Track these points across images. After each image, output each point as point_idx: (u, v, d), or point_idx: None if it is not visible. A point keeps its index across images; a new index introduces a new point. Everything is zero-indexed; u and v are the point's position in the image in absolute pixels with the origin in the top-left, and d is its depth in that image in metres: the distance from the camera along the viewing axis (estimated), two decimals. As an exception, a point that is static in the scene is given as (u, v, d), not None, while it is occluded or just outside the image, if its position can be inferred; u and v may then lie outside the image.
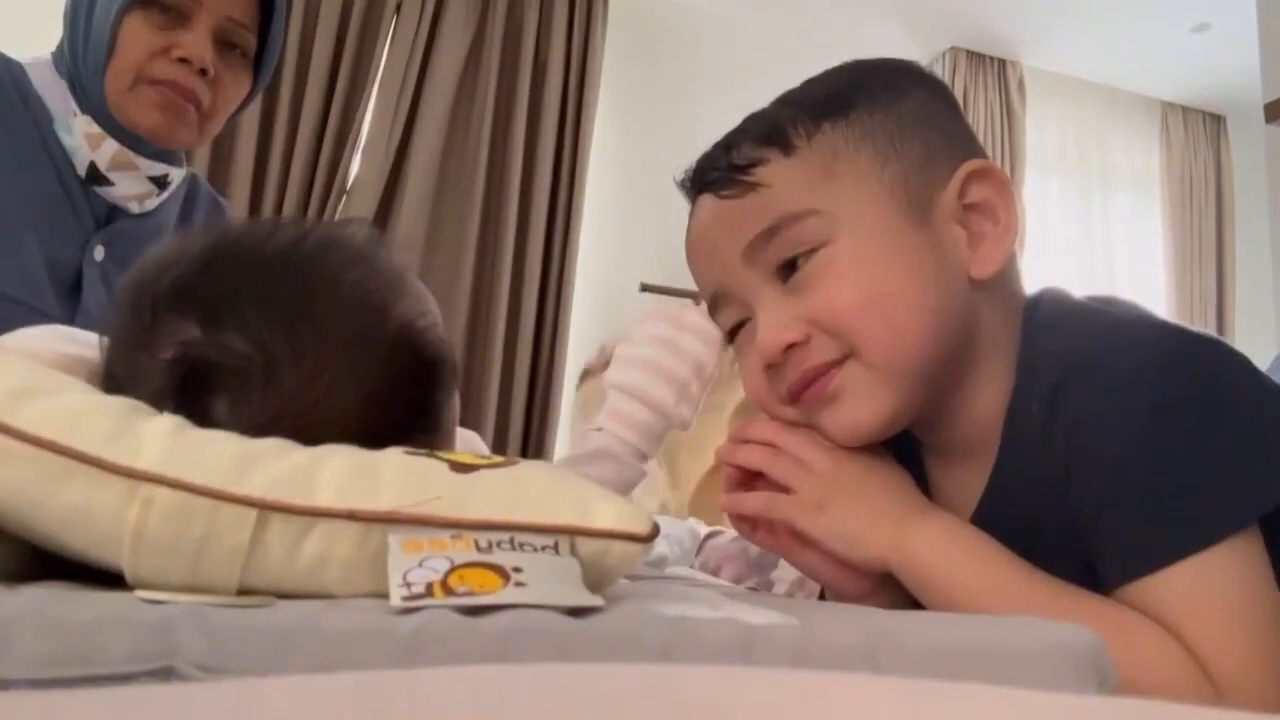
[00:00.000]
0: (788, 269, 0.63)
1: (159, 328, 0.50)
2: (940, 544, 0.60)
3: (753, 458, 0.66)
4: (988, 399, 0.65)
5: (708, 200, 0.67)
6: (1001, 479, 0.65)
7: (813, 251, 0.62)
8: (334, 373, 0.49)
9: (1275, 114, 2.06)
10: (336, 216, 3.14)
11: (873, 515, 0.62)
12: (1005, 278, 0.66)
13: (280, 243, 0.54)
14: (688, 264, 0.71)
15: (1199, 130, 4.57)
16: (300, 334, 0.49)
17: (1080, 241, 4.29)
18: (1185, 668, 0.51)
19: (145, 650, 0.29)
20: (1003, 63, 4.21)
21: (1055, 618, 0.43)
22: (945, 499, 0.70)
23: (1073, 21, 3.91)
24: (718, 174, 0.66)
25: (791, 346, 0.62)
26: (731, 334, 0.70)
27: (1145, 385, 0.56)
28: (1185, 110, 4.56)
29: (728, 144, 0.67)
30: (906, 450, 0.70)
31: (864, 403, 0.62)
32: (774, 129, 0.65)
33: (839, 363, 0.62)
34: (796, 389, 0.64)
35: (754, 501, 0.66)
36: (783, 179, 0.63)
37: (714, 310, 0.70)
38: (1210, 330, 4.24)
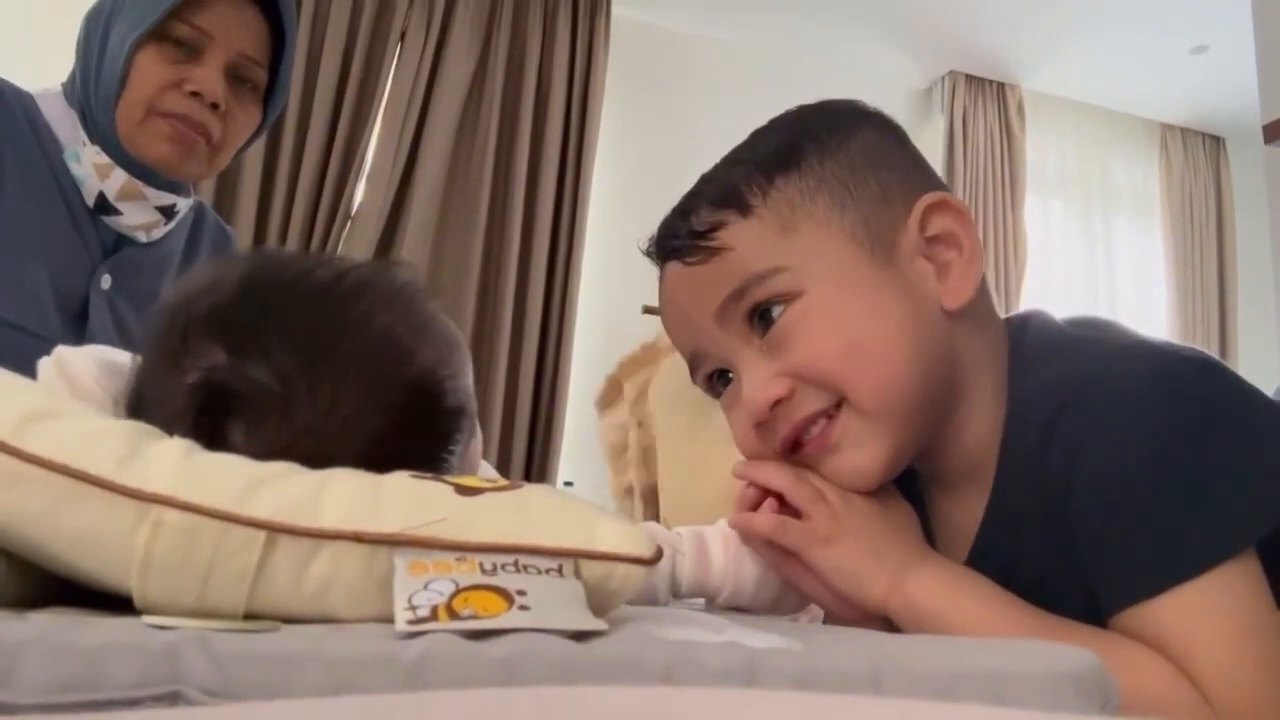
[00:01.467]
0: (762, 324, 0.64)
1: (188, 350, 0.51)
2: (937, 589, 0.61)
3: (777, 479, 0.65)
4: (980, 427, 0.65)
5: (674, 268, 0.68)
6: (999, 508, 0.65)
7: (784, 306, 0.63)
8: (348, 412, 0.51)
9: (1274, 135, 2.07)
10: (340, 244, 3.16)
11: (875, 557, 0.63)
12: (979, 305, 0.66)
13: (319, 279, 0.55)
14: (664, 327, 0.72)
15: (1198, 151, 4.59)
16: (321, 371, 0.51)
17: (1082, 263, 4.31)
18: (1184, 695, 0.51)
19: (152, 676, 0.30)
20: (1002, 86, 4.24)
21: None
22: (946, 527, 0.70)
23: (1071, 44, 3.94)
24: (679, 241, 0.66)
25: (778, 402, 0.63)
26: (714, 387, 0.70)
27: (1140, 411, 0.56)
28: (1184, 132, 4.58)
29: (685, 210, 0.68)
30: (907, 480, 0.70)
31: (864, 448, 0.63)
32: (729, 191, 0.65)
33: (830, 412, 0.63)
34: (789, 441, 0.64)
35: (766, 523, 0.65)
36: (744, 240, 0.64)
37: (694, 369, 0.71)
38: (1213, 351, 4.25)
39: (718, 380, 0.69)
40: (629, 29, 3.70)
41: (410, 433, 0.53)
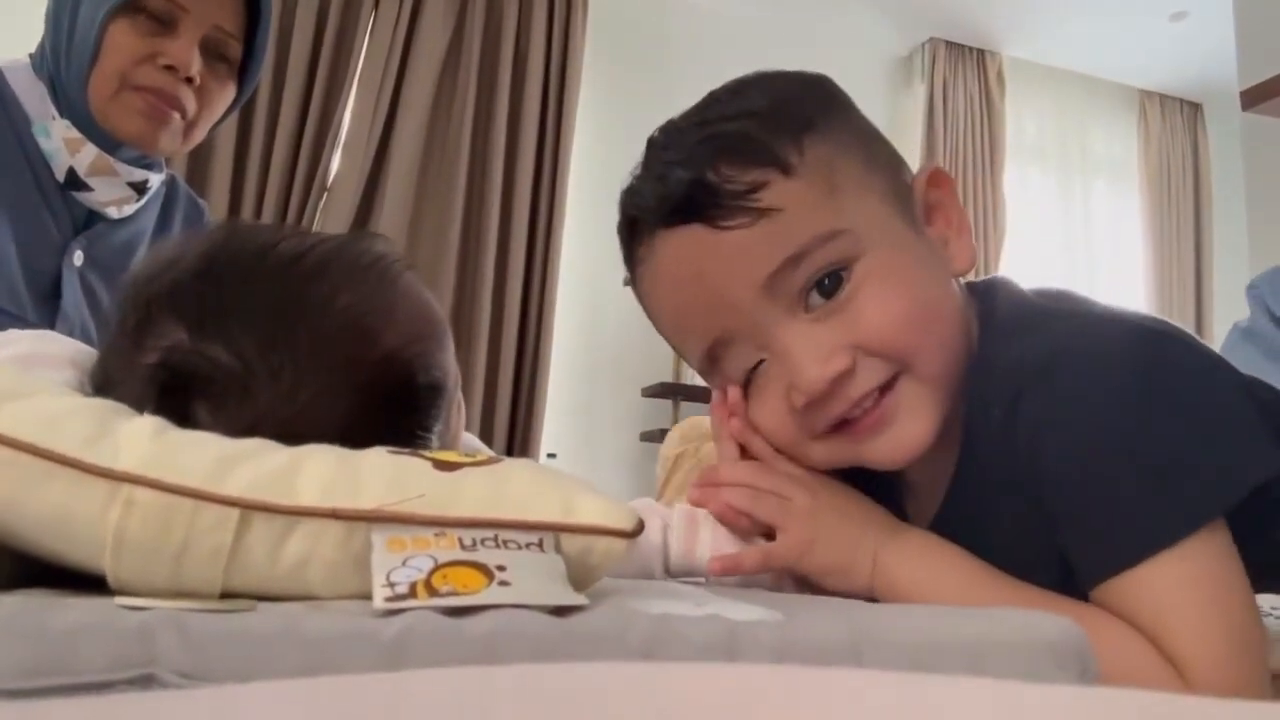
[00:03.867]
0: (820, 293, 0.59)
1: (149, 328, 0.50)
2: (912, 562, 0.61)
3: (738, 500, 0.65)
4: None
5: (694, 233, 0.59)
6: (966, 473, 0.65)
7: (846, 271, 0.59)
8: (311, 393, 0.50)
9: (1251, 101, 2.07)
10: (317, 215, 3.12)
11: (853, 545, 0.62)
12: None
13: (282, 255, 0.53)
14: (664, 314, 0.64)
15: (1176, 118, 4.61)
16: (280, 351, 0.49)
17: (1060, 231, 4.33)
18: (1155, 667, 0.51)
19: (125, 658, 0.29)
20: (982, 53, 4.22)
21: None
22: (915, 487, 0.70)
23: (1052, 12, 3.93)
24: (711, 200, 0.58)
25: (838, 378, 0.59)
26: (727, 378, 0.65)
27: (1106, 384, 0.55)
28: (1163, 98, 4.59)
29: (696, 167, 0.59)
30: None
31: (918, 420, 0.60)
32: (759, 146, 0.59)
33: (889, 385, 0.60)
34: (838, 420, 0.60)
35: (752, 560, 0.63)
36: (792, 201, 0.58)
37: (713, 362, 0.64)
38: (1189, 316, 4.29)
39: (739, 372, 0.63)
40: (607, -5, 3.66)
41: (379, 415, 0.52)
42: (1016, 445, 0.59)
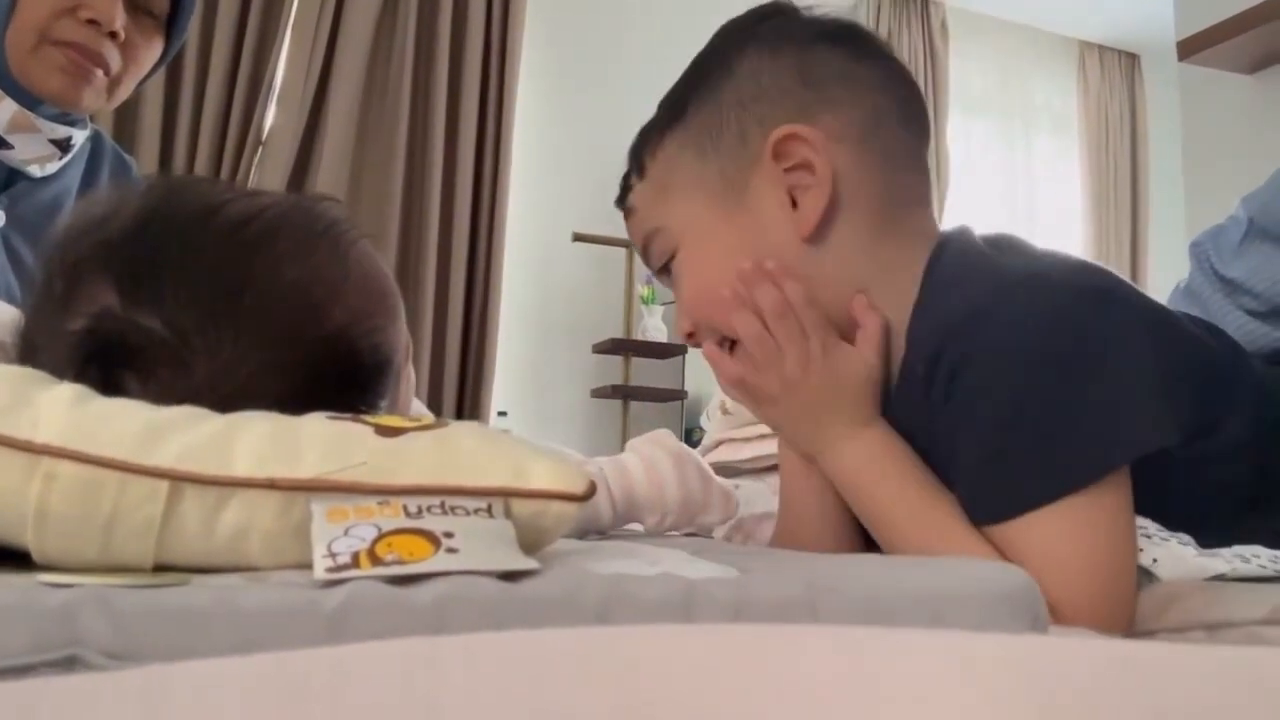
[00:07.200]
0: (668, 274, 0.72)
1: (77, 291, 0.47)
2: (860, 465, 0.64)
3: (743, 328, 0.66)
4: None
5: None
6: (895, 421, 0.66)
7: (672, 259, 0.70)
8: (252, 369, 0.48)
9: (1187, 52, 2.10)
10: (253, 170, 3.03)
11: (815, 424, 0.66)
12: (855, 227, 0.65)
13: (228, 218, 0.50)
14: None
15: (1115, 69, 4.66)
16: (220, 325, 0.47)
17: (1002, 182, 4.37)
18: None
19: (46, 639, 0.28)
20: (925, 3, 4.22)
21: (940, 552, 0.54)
22: None
23: (994, -39, 3.93)
24: (621, 197, 0.74)
25: (690, 335, 0.72)
26: None
27: (1020, 340, 0.56)
28: (1102, 49, 4.64)
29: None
30: None
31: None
32: (636, 152, 0.72)
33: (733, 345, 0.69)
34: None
35: (728, 372, 0.69)
36: (641, 201, 0.72)
37: None
38: (1124, 262, 4.36)
39: None
40: (549, -58, 3.57)
41: (321, 394, 0.49)
42: (934, 397, 0.60)
